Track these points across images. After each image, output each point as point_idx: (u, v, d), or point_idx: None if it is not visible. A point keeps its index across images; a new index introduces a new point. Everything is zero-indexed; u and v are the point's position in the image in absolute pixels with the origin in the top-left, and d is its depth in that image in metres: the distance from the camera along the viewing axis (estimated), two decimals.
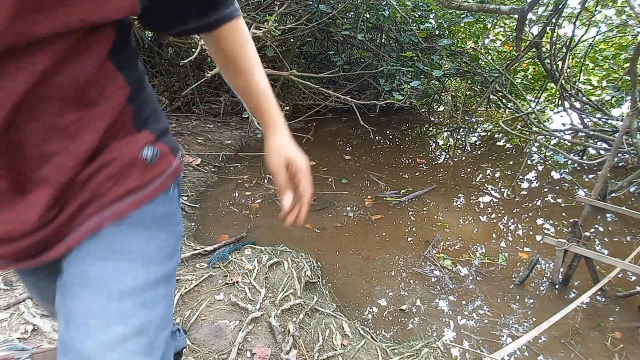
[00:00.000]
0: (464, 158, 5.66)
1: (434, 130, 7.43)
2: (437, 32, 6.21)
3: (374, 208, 3.85)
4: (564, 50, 5.47)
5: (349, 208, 3.84)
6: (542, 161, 5.77)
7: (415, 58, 6.01)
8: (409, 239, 3.35)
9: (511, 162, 5.49)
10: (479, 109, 7.67)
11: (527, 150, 5.93)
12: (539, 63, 5.89)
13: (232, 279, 2.35)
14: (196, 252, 2.71)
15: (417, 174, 4.92)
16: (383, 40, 6.65)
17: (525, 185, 4.71)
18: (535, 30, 5.55)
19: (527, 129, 5.92)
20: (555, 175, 5.09)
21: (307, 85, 5.31)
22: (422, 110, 8.25)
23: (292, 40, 6.42)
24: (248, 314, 2.08)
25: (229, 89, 4.34)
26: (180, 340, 1.26)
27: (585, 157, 5.40)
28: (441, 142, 6.73)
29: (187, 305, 2.16)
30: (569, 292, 2.72)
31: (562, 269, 2.74)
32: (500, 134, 6.91)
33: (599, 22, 5.71)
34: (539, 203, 4.19)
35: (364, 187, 4.37)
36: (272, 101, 0.82)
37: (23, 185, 0.58)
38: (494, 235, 3.46)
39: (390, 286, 2.75)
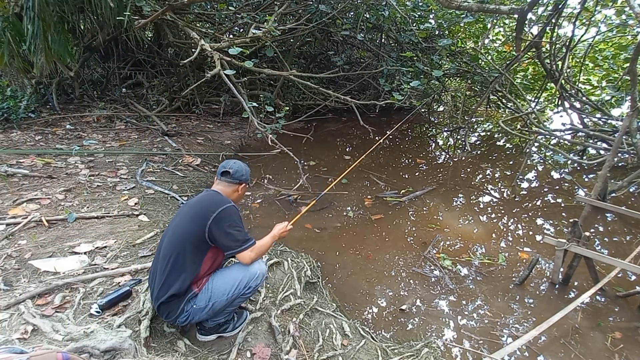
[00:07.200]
0: (463, 158, 5.66)
1: (434, 130, 7.43)
2: (437, 32, 6.21)
3: (373, 208, 3.85)
4: (564, 50, 5.47)
5: (349, 208, 3.84)
6: (542, 161, 5.77)
7: (415, 58, 6.01)
8: (409, 239, 3.35)
9: (511, 162, 5.49)
10: (478, 109, 7.67)
11: (527, 150, 5.93)
12: (538, 63, 5.89)
13: None
14: None
15: (417, 174, 4.92)
16: (383, 40, 6.64)
17: (525, 185, 4.71)
18: (535, 30, 5.55)
19: (527, 129, 5.92)
20: (555, 175, 5.09)
21: (307, 85, 5.31)
22: (422, 110, 8.25)
23: (292, 40, 6.42)
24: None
25: (228, 89, 4.33)
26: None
27: (585, 157, 5.40)
28: (441, 142, 6.73)
29: None
30: (569, 292, 2.72)
31: (562, 269, 2.74)
32: (500, 134, 6.91)
33: (598, 22, 5.71)
34: (538, 203, 4.19)
35: (364, 187, 4.36)
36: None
37: None
38: (494, 235, 3.46)
39: (390, 286, 2.75)
